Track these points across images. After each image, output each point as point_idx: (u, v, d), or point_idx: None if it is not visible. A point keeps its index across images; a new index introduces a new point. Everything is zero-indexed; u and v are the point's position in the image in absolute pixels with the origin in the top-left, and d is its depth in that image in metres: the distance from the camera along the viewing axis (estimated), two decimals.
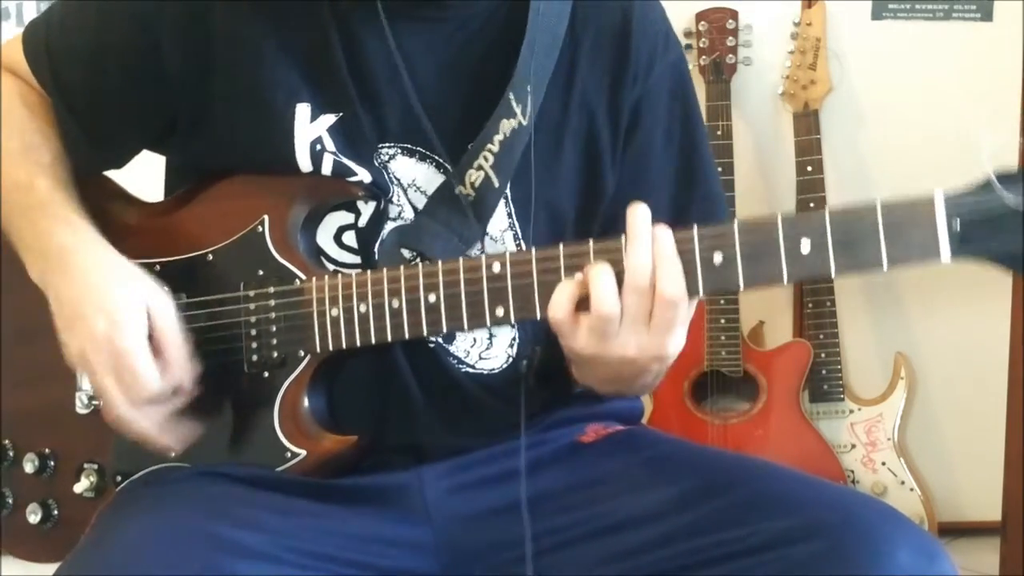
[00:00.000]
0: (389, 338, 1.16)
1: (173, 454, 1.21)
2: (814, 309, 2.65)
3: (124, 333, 1.14)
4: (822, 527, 1.04)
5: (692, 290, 1.07)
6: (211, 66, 1.20)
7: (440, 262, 1.15)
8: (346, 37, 1.20)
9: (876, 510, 1.07)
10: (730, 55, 2.65)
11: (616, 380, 1.16)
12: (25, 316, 1.32)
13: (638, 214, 1.07)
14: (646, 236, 1.06)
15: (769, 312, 2.77)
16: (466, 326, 1.14)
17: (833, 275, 1.03)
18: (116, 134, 1.29)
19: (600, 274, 1.07)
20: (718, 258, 1.05)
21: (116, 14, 1.23)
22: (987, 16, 2.70)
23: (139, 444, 1.24)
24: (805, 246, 1.03)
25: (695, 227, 1.06)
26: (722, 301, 2.59)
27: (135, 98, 1.25)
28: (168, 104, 1.23)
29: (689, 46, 2.66)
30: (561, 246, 1.10)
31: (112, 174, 1.36)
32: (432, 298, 1.14)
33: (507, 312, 1.12)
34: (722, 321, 2.60)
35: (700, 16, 2.67)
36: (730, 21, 2.66)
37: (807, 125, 2.63)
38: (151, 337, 1.16)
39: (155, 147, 1.32)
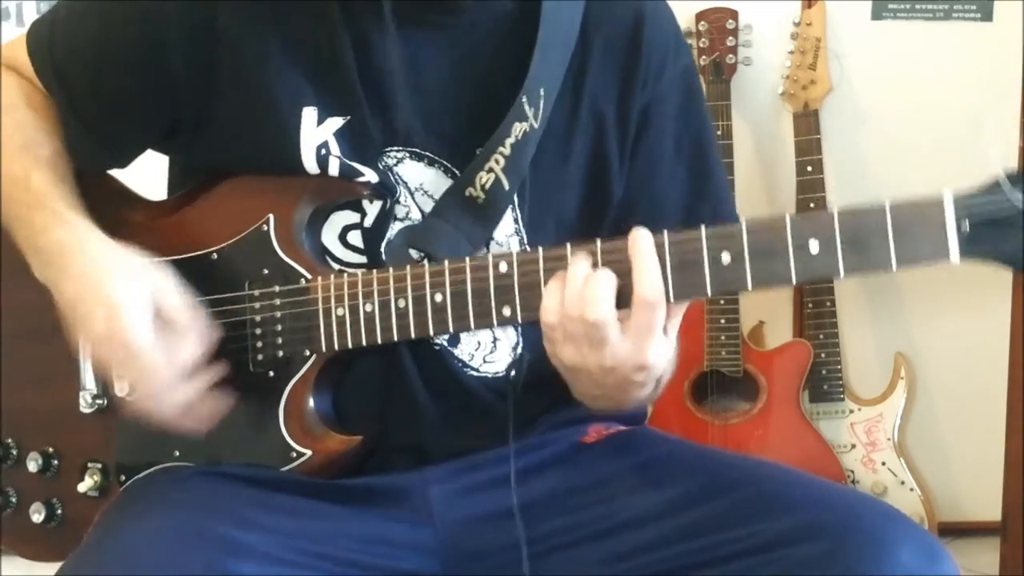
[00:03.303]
0: (395, 338, 1.16)
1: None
2: (814, 309, 2.65)
3: (125, 327, 1.13)
4: (824, 527, 1.04)
5: (700, 290, 1.06)
6: (217, 67, 1.19)
7: (447, 261, 1.14)
8: (357, 40, 1.19)
9: (878, 510, 1.07)
10: (730, 55, 2.65)
11: (604, 396, 1.15)
12: (27, 316, 1.31)
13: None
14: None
15: (769, 312, 2.77)
16: (472, 326, 1.13)
17: (842, 276, 1.03)
18: (120, 134, 1.28)
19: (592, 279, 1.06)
20: (726, 258, 1.05)
21: (121, 14, 1.22)
22: (987, 16, 2.70)
23: (146, 439, 1.24)
24: (814, 247, 1.02)
25: (703, 227, 1.06)
26: (722, 301, 2.59)
27: (140, 98, 1.23)
28: (173, 104, 1.22)
29: (689, 46, 2.66)
30: (568, 245, 1.09)
31: (115, 172, 1.35)
32: (439, 298, 1.14)
33: (514, 312, 1.11)
34: (722, 321, 2.60)
35: (700, 16, 2.67)
36: (730, 21, 2.66)
37: (807, 125, 2.63)
38: (160, 315, 1.15)
39: (159, 147, 1.31)
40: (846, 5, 2.70)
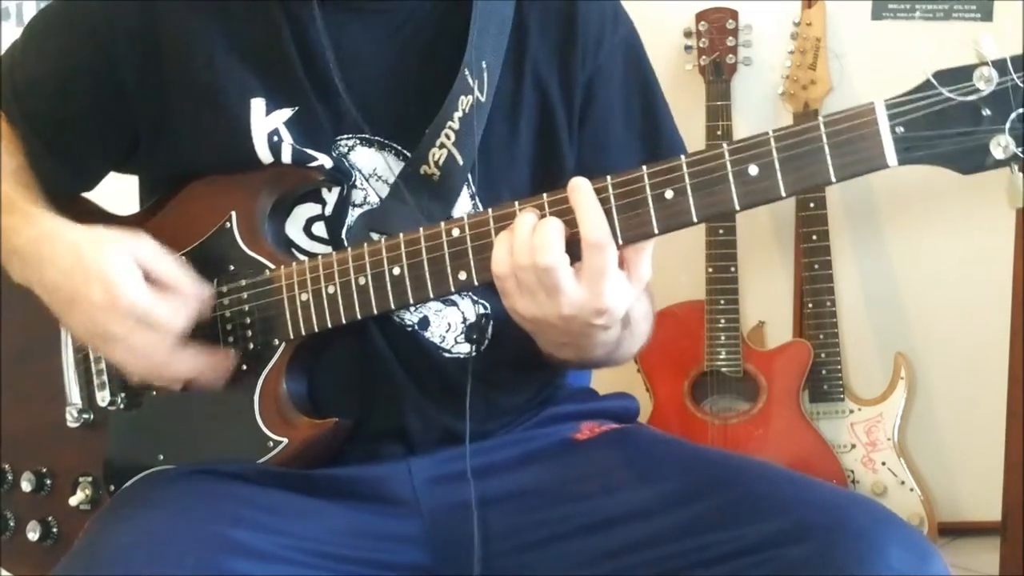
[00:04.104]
0: (358, 315, 1.17)
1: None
2: (814, 309, 2.65)
3: (125, 288, 1.15)
4: (813, 528, 1.04)
5: (647, 228, 1.07)
6: (165, 73, 1.22)
7: (401, 235, 1.15)
8: (297, 32, 1.22)
9: (867, 510, 1.07)
10: (730, 55, 2.65)
11: (570, 343, 1.15)
12: (11, 338, 1.33)
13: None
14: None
15: (769, 312, 2.77)
16: (432, 295, 1.15)
17: (783, 194, 1.03)
18: (85, 156, 1.32)
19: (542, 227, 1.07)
20: (669, 194, 1.06)
21: (74, 39, 1.26)
22: (987, 16, 2.70)
23: (131, 446, 1.26)
24: (753, 170, 1.03)
25: (643, 166, 1.07)
26: (722, 301, 2.59)
27: (100, 118, 1.27)
28: (131, 118, 1.26)
29: (689, 46, 2.67)
30: (516, 203, 1.11)
31: (87, 194, 1.38)
32: (396, 271, 1.15)
33: (469, 275, 1.13)
34: (722, 321, 2.60)
35: (700, 16, 2.68)
36: (730, 21, 2.66)
37: None
38: (150, 280, 1.17)
39: (123, 165, 1.34)
40: (846, 5, 2.70)
